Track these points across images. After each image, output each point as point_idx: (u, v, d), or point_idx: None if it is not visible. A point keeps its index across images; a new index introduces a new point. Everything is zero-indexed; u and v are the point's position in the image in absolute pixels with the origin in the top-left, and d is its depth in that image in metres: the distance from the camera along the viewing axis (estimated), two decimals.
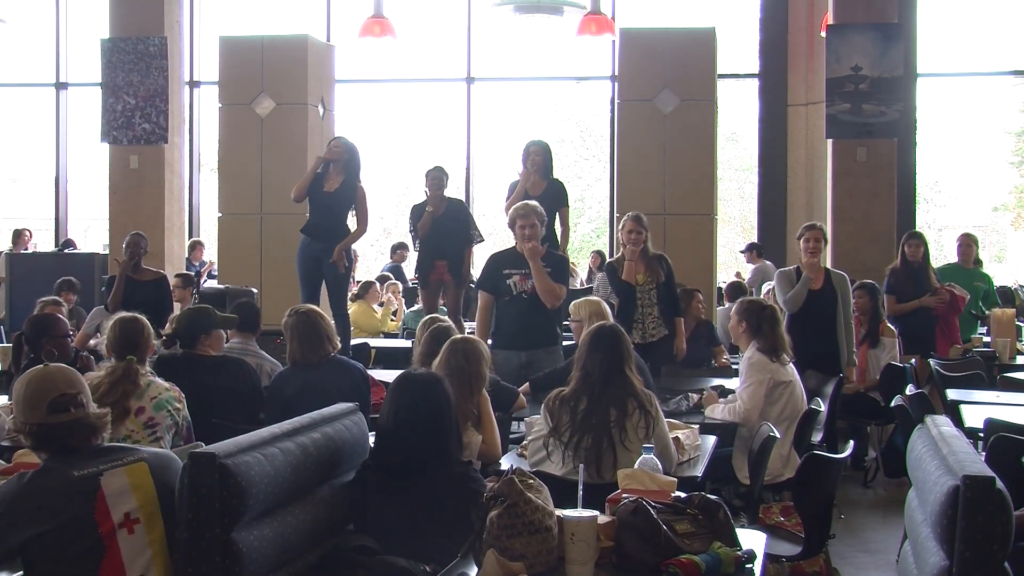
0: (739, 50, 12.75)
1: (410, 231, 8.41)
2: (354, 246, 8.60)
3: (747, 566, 2.90)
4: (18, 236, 12.57)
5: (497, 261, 6.64)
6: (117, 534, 2.94)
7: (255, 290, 9.43)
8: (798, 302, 7.08)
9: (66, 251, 12.53)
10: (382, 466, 3.52)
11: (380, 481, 3.49)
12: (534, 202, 6.86)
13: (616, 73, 10.90)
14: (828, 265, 7.65)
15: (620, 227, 7.21)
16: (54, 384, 3.05)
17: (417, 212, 8.33)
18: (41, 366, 3.21)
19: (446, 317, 6.64)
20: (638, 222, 7.09)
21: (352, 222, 8.18)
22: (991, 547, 2.55)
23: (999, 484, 2.58)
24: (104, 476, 2.97)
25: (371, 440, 3.89)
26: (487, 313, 6.64)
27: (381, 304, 10.26)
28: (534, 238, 6.43)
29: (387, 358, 8.48)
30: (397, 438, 3.51)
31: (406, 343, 8.55)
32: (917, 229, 11.09)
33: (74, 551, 2.91)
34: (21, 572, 3.05)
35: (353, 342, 8.41)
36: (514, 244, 6.58)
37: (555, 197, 8.08)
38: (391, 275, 11.55)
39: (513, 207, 6.80)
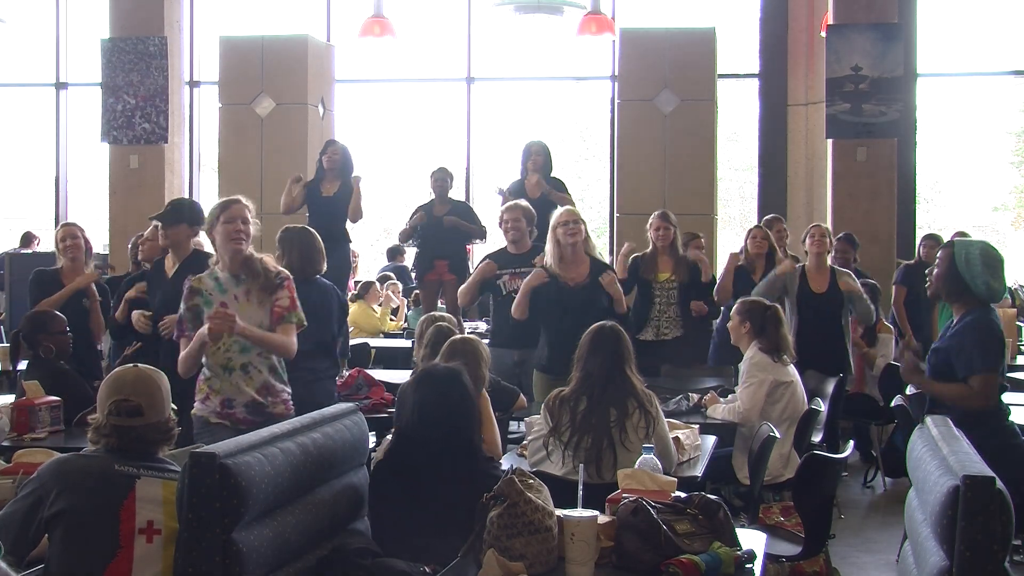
0: (739, 50, 12.70)
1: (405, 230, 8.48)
2: (353, 247, 8.77)
3: (747, 566, 2.91)
4: (28, 240, 12.61)
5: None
6: (136, 538, 3.02)
7: None
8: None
9: None
10: (404, 465, 3.51)
11: (401, 480, 3.48)
12: (523, 200, 6.96)
13: (616, 73, 10.89)
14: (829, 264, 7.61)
15: (648, 225, 7.25)
16: (122, 387, 3.16)
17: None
18: (131, 366, 3.30)
19: (449, 315, 6.65)
20: (665, 219, 7.14)
21: (351, 227, 8.27)
22: (991, 547, 2.54)
23: (999, 484, 2.58)
24: (141, 479, 3.07)
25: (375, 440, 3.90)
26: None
27: (381, 304, 10.26)
28: (519, 233, 6.46)
29: (387, 358, 8.48)
30: (422, 436, 3.50)
31: (406, 343, 8.56)
32: (918, 229, 11.09)
33: (92, 539, 2.99)
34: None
35: (353, 342, 8.40)
36: (504, 245, 6.62)
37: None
38: (392, 275, 11.54)
39: (502, 208, 6.85)
